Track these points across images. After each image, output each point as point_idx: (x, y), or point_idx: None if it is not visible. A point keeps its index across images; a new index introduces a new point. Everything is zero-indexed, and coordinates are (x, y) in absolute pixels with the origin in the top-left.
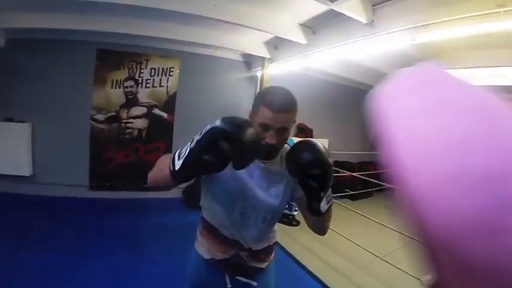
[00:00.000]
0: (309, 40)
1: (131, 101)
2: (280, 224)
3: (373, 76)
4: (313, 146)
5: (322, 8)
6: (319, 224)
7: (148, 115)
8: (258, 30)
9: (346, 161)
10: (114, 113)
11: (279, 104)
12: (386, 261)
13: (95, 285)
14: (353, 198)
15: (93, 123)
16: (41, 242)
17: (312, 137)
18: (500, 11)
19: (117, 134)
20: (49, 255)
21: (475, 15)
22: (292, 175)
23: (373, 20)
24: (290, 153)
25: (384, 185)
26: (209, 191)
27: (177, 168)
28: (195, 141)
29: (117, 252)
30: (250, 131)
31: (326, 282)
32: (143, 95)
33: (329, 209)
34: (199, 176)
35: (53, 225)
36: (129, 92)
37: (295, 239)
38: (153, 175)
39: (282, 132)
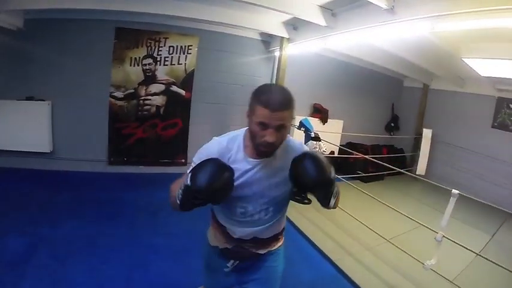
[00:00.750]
0: (328, 22)
1: (149, 78)
2: (292, 202)
3: (392, 60)
4: (317, 166)
5: None
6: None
7: (167, 92)
8: (276, 10)
9: (360, 143)
10: (132, 90)
11: (275, 103)
12: (393, 244)
13: (114, 254)
14: (364, 180)
15: (112, 100)
16: (62, 214)
17: (327, 117)
18: None
19: (135, 111)
20: (70, 226)
21: (496, 9)
22: (296, 193)
23: (393, 6)
24: (294, 169)
25: (395, 169)
26: None
27: (180, 206)
28: (181, 192)
29: (135, 224)
30: (216, 176)
31: (333, 259)
32: (161, 72)
33: (337, 200)
34: None
35: (73, 198)
36: (148, 69)
37: (306, 216)
38: (172, 205)
39: (281, 130)
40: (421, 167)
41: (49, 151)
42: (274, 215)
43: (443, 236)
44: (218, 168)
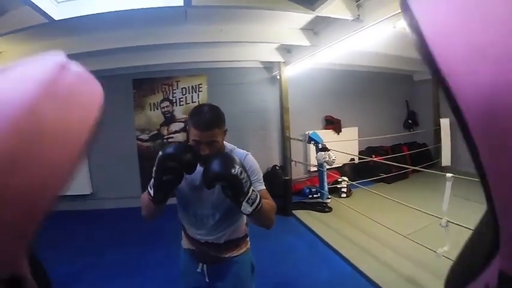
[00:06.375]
0: (312, 41)
1: (169, 119)
2: (313, 212)
3: (391, 60)
4: (219, 161)
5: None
6: (254, 220)
7: (186, 129)
8: (266, 42)
9: (380, 146)
10: (156, 131)
11: (203, 124)
12: (410, 239)
13: (153, 271)
14: (388, 181)
15: (139, 142)
16: (106, 244)
17: (340, 127)
18: None
19: (160, 149)
20: (114, 253)
21: None
22: (205, 186)
23: (359, 15)
24: (204, 166)
25: (409, 168)
26: (176, 199)
27: (153, 195)
28: (153, 171)
29: (172, 247)
30: (183, 148)
31: (349, 257)
32: (179, 112)
33: (256, 211)
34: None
35: (114, 231)
36: (166, 111)
37: (327, 224)
38: (144, 213)
39: (212, 144)
40: (446, 157)
41: (89, 193)
42: (221, 221)
43: (448, 221)
44: (180, 144)
